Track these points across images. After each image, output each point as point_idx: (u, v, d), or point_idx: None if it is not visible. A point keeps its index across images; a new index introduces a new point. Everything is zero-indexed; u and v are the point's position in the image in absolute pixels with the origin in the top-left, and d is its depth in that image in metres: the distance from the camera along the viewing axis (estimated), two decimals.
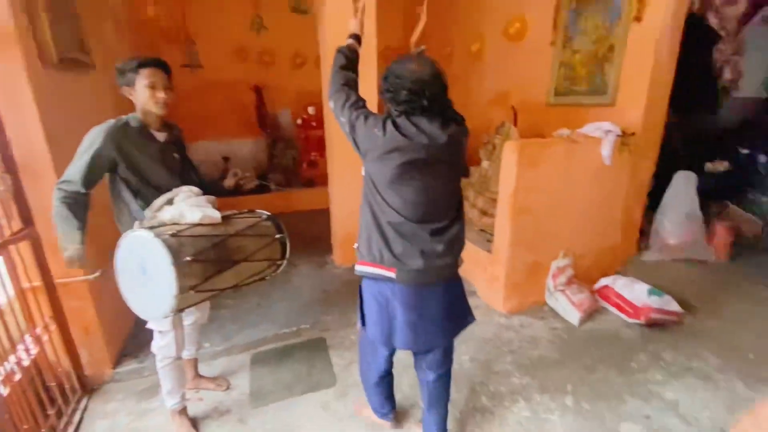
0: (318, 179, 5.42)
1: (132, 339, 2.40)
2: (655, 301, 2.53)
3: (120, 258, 1.39)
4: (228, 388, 2.12)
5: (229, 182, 1.99)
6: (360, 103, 1.42)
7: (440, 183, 1.37)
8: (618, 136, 2.67)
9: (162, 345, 1.68)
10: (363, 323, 1.59)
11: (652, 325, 2.52)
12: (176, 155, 1.70)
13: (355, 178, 3.30)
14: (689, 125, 3.93)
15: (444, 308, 1.49)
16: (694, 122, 4.04)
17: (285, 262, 1.75)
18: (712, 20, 3.01)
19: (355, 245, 1.51)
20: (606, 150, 2.63)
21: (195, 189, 1.62)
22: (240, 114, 5.15)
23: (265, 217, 1.73)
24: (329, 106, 1.47)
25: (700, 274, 3.11)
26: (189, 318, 1.82)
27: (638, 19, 2.66)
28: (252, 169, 5.50)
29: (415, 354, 1.68)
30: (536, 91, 3.59)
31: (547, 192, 2.59)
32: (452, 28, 4.76)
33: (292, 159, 5.57)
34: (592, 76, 3.08)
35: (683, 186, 3.20)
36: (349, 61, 1.53)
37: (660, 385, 2.07)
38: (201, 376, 2.12)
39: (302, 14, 3.14)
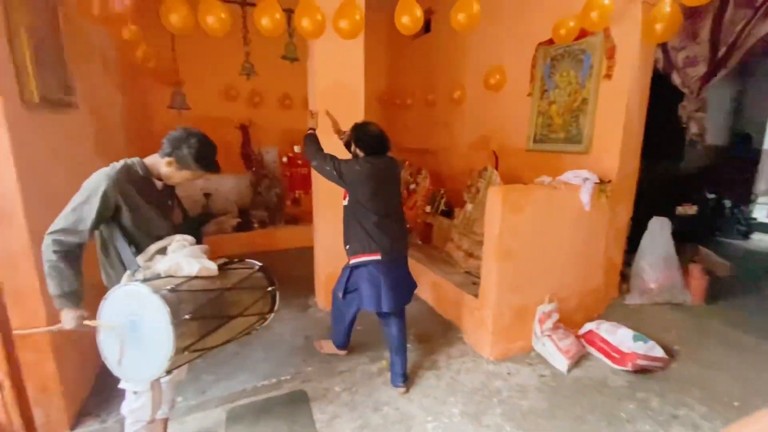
0: (302, 217, 5.39)
1: (93, 396, 2.20)
2: (640, 347, 2.54)
3: (106, 313, 1.29)
4: None
5: (214, 229, 1.95)
6: (334, 157, 2.21)
7: (393, 193, 2.31)
8: (595, 183, 2.78)
9: (135, 407, 1.53)
10: (343, 296, 2.38)
11: (638, 371, 2.51)
12: (170, 202, 1.65)
13: (341, 217, 3.27)
14: (659, 172, 4.16)
15: (406, 274, 2.40)
16: (663, 169, 4.28)
17: (272, 315, 1.68)
18: (676, 79, 3.26)
19: (346, 247, 2.32)
20: (585, 196, 2.72)
21: (189, 238, 1.55)
22: (224, 151, 5.11)
23: (257, 268, 1.67)
24: (312, 164, 2.28)
25: (680, 317, 3.16)
26: (167, 375, 1.69)
27: (608, 77, 2.86)
28: (234, 205, 5.42)
29: (386, 315, 2.36)
30: (516, 137, 3.75)
31: (530, 236, 2.63)
32: (435, 77, 5.01)
33: (276, 196, 5.53)
34: (568, 126, 3.25)
35: (659, 230, 3.32)
36: (315, 138, 2.39)
37: None
38: None
39: (291, 61, 3.24)
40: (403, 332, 2.41)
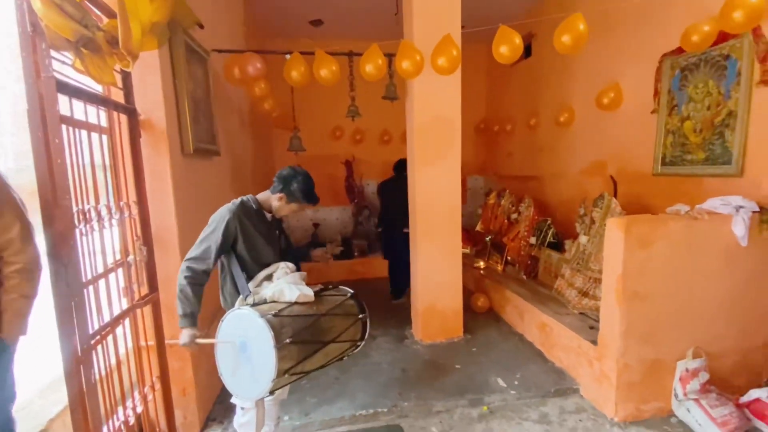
0: None
1: (219, 404, 2.49)
2: None
3: (222, 333, 1.48)
4: None
5: (318, 256, 2.12)
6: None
7: (396, 197, 3.82)
8: (754, 212, 2.26)
9: (243, 422, 1.69)
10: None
11: None
12: (277, 232, 1.87)
13: (441, 249, 3.23)
14: None
15: (400, 243, 3.84)
16: None
17: (363, 343, 1.73)
18: None
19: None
20: (740, 229, 2.22)
21: (291, 265, 1.73)
22: (331, 185, 5.61)
23: (349, 295, 1.75)
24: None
25: None
26: (271, 395, 1.83)
27: (765, 82, 2.36)
28: (338, 234, 5.81)
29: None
30: (638, 161, 3.30)
31: (664, 276, 2.23)
32: (536, 100, 4.77)
33: (374, 226, 5.78)
34: (709, 144, 2.74)
35: None
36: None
37: None
38: None
39: (392, 100, 3.44)
40: (406, 277, 3.73)
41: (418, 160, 3.12)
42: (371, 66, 2.43)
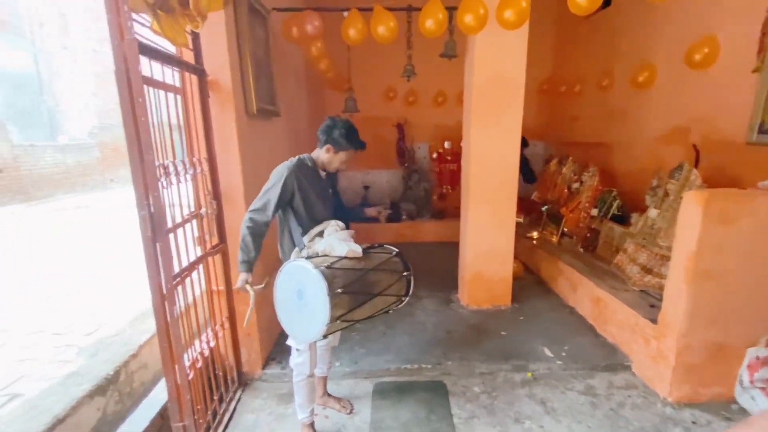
0: (448, 212, 5.45)
1: (278, 345, 2.75)
2: None
3: (281, 282, 1.62)
4: (351, 412, 2.22)
5: (371, 213, 2.20)
6: None
7: None
8: None
9: (298, 362, 1.86)
10: None
11: None
12: (330, 190, 1.95)
13: (493, 215, 3.16)
14: None
15: None
16: None
17: (407, 298, 1.80)
18: None
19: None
20: None
21: (340, 223, 1.82)
22: (382, 147, 5.60)
23: (394, 253, 1.82)
24: None
25: None
26: (323, 340, 1.98)
27: None
28: (387, 197, 5.88)
29: None
30: (729, 128, 2.91)
31: (744, 257, 2.03)
32: (611, 58, 4.30)
33: (424, 191, 5.75)
34: None
35: None
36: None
37: None
38: (329, 395, 2.27)
39: (450, 58, 3.28)
40: None
41: (474, 121, 3.00)
42: (431, 21, 2.32)
